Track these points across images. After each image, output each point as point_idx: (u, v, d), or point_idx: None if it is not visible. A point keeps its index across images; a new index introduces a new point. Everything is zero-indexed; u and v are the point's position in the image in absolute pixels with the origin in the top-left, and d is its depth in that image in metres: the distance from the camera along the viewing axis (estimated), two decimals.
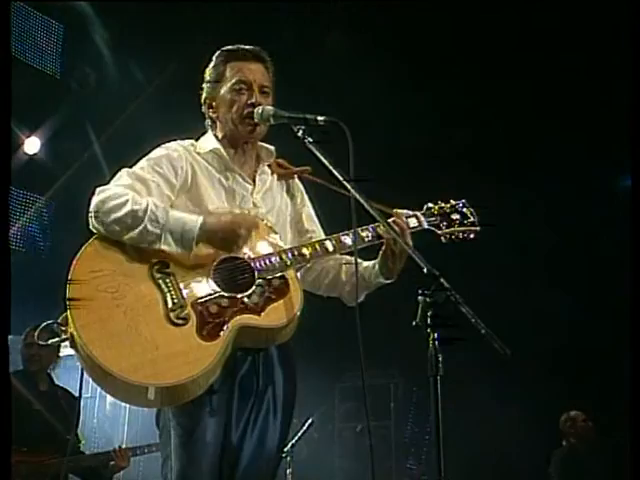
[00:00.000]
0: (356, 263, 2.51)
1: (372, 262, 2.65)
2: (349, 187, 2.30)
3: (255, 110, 2.56)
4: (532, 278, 7.55)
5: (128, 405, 7.45)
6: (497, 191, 6.74)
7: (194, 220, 2.36)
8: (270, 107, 2.55)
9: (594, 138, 6.74)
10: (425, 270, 2.04)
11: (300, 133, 2.43)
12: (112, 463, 4.91)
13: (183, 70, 6.36)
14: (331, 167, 2.35)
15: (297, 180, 2.84)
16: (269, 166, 2.74)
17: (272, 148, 2.73)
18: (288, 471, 5.50)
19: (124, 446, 5.25)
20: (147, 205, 2.33)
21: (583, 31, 6.04)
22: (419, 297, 1.98)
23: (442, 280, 1.99)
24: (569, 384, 7.19)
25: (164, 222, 2.32)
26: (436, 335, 1.95)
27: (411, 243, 2.54)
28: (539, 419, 7.19)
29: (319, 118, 2.41)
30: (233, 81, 2.61)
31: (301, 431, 5.46)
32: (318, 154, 2.39)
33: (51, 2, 6.71)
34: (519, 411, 7.31)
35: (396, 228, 2.54)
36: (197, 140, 2.69)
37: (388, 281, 2.63)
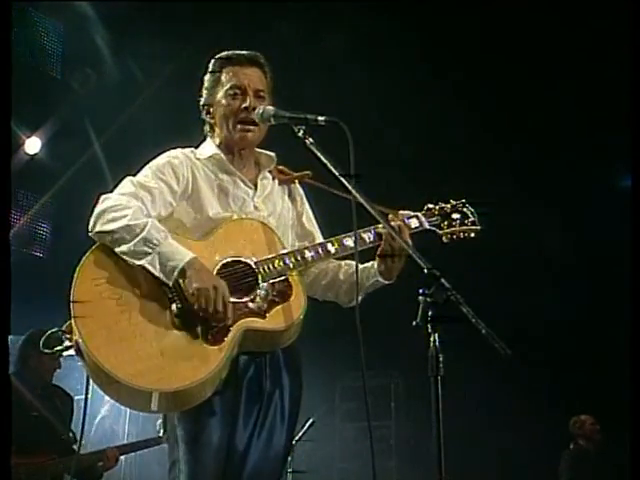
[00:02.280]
0: (357, 264, 2.51)
1: (371, 263, 2.66)
2: (350, 187, 2.30)
3: (256, 110, 2.56)
4: (532, 278, 7.55)
5: (127, 411, 7.47)
6: (497, 191, 6.75)
7: (186, 254, 2.33)
8: (271, 107, 2.55)
9: (594, 138, 6.74)
10: (425, 270, 2.04)
11: (301, 133, 2.43)
12: (100, 464, 4.92)
13: (183, 70, 6.37)
14: (332, 167, 2.35)
15: (297, 184, 2.84)
16: (270, 172, 2.75)
17: (272, 154, 2.74)
18: (288, 471, 5.52)
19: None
20: (145, 224, 2.32)
21: (584, 31, 6.04)
22: (420, 297, 1.98)
23: (443, 280, 1.99)
24: (570, 385, 7.20)
25: (158, 244, 2.31)
26: (436, 335, 1.95)
27: (410, 243, 2.53)
28: (539, 420, 7.20)
29: (319, 118, 2.41)
30: (228, 86, 2.62)
31: (302, 431, 5.47)
32: (319, 154, 2.39)
33: (51, 2, 6.71)
34: (520, 411, 7.32)
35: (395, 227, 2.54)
36: (197, 147, 2.70)
37: (387, 282, 2.63)
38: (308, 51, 6.46)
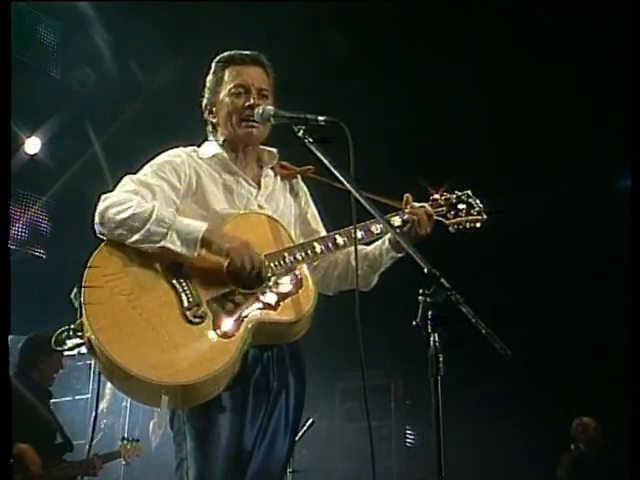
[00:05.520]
0: (357, 263, 2.51)
1: (380, 240, 2.70)
2: (350, 187, 2.30)
3: (255, 110, 2.57)
4: (532, 278, 7.54)
5: (128, 403, 7.49)
6: (496, 191, 6.74)
7: (201, 224, 2.37)
8: (270, 107, 2.57)
9: (594, 138, 6.73)
10: (426, 270, 2.04)
11: (300, 133, 2.44)
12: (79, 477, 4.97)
13: (183, 70, 6.37)
14: (331, 167, 2.36)
15: (300, 180, 2.85)
16: (272, 168, 2.76)
17: (274, 150, 2.75)
18: (288, 471, 5.52)
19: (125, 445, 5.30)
20: (153, 207, 2.35)
21: (584, 31, 6.03)
22: (419, 297, 1.98)
23: (443, 280, 1.99)
24: (571, 385, 7.20)
25: (171, 222, 2.33)
26: (436, 335, 1.95)
27: (428, 231, 2.67)
28: (539, 420, 7.20)
29: (319, 118, 2.42)
30: (231, 85, 2.64)
31: (302, 431, 5.47)
32: (319, 154, 2.39)
33: (51, 2, 6.70)
34: (520, 412, 7.32)
35: (414, 217, 2.65)
36: (199, 147, 2.71)
37: (399, 255, 2.66)
38: (308, 51, 6.46)
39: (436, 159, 7.00)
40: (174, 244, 2.33)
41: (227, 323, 2.32)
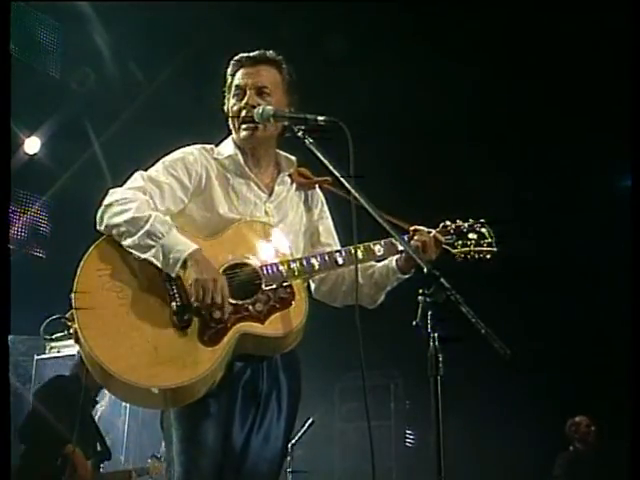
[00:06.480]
0: (356, 267, 2.50)
1: (386, 261, 2.66)
2: (350, 188, 2.29)
3: (255, 110, 2.55)
4: (531, 279, 7.54)
5: (127, 407, 7.49)
6: (497, 191, 6.75)
7: (189, 246, 2.33)
8: (270, 107, 2.54)
9: (594, 138, 6.73)
10: (425, 270, 2.04)
11: (300, 133, 2.43)
12: None
13: (183, 70, 6.37)
14: (332, 168, 2.35)
15: (319, 191, 2.81)
16: (290, 176, 2.73)
17: (293, 158, 2.72)
18: (288, 471, 5.52)
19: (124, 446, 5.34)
20: (149, 217, 2.33)
21: (585, 30, 6.03)
22: (419, 297, 1.98)
23: (442, 280, 1.99)
24: (569, 386, 7.20)
25: (161, 237, 2.31)
26: (436, 335, 1.95)
27: (433, 257, 2.60)
28: (539, 420, 7.19)
29: (319, 118, 2.41)
30: (233, 89, 2.64)
31: (301, 431, 5.48)
32: (319, 154, 2.38)
33: (51, 2, 6.70)
34: (520, 411, 7.32)
35: (418, 243, 2.58)
36: (217, 145, 2.69)
37: (406, 276, 2.63)
38: (308, 51, 6.45)
39: (435, 159, 7.00)
40: (157, 259, 2.30)
41: (212, 331, 2.30)
